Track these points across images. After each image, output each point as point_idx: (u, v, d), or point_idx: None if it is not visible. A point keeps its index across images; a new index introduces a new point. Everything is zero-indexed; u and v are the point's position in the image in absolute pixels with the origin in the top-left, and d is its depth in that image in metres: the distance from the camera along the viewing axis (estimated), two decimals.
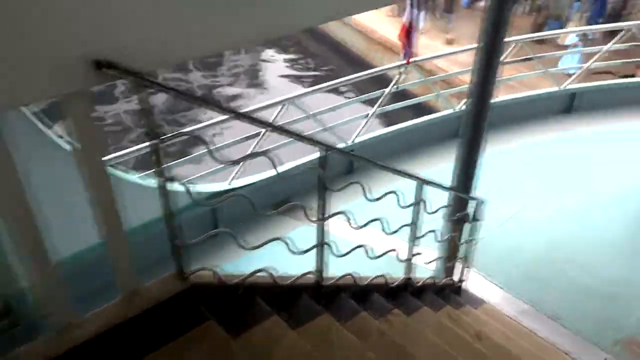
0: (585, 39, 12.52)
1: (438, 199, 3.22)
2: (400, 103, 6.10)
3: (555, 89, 6.71)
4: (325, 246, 2.28)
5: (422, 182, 2.80)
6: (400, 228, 2.69)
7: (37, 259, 1.43)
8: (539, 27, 14.71)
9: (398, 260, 2.93)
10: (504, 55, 4.65)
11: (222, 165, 1.77)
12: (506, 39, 3.00)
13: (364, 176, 5.45)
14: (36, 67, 1.25)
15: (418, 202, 2.80)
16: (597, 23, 12.80)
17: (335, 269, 2.45)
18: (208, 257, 4.21)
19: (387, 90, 5.68)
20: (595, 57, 6.62)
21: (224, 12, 1.57)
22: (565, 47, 12.16)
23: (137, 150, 4.03)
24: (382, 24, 16.81)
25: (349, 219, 2.31)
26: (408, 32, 5.65)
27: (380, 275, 2.84)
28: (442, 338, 2.65)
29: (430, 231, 3.03)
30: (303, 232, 2.27)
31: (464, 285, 3.84)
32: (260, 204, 1.86)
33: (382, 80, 6.31)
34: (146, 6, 1.40)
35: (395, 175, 2.80)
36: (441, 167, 5.08)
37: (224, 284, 1.90)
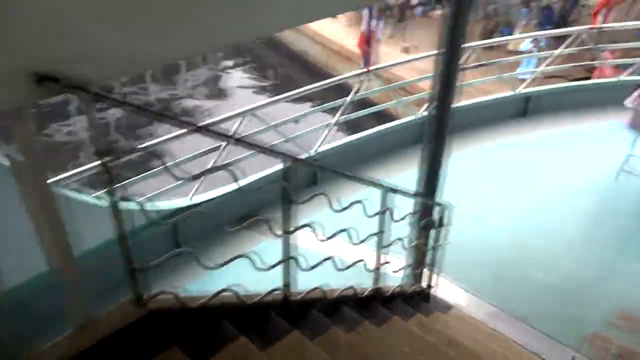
0: (538, 45, 13.01)
1: (405, 205, 3.21)
2: (363, 111, 6.11)
3: (511, 93, 6.89)
4: (293, 260, 2.21)
5: (387, 189, 2.78)
6: (367, 237, 2.65)
7: None
8: (489, 34, 15.19)
9: (367, 270, 2.88)
10: (462, 61, 4.72)
11: (181, 182, 1.67)
12: (464, 45, 3.04)
13: (329, 186, 5.42)
14: None
15: (384, 211, 2.77)
16: (546, 30, 13.32)
17: (304, 282, 2.38)
18: (169, 277, 4.05)
19: (348, 98, 5.67)
20: (547, 61, 6.85)
21: (176, 21, 1.49)
22: (519, 52, 12.59)
23: (88, 169, 3.84)
24: (341, 34, 16.97)
25: (315, 231, 2.25)
26: (367, 41, 5.68)
27: (350, 287, 2.79)
28: (413, 347, 2.62)
29: (398, 239, 3.01)
30: (269, 246, 2.19)
31: (432, 291, 3.83)
32: (223, 218, 1.78)
33: (341, 90, 6.30)
34: (93, 15, 1.30)
35: (361, 183, 2.77)
36: (406, 173, 5.10)
37: (187, 307, 1.79)
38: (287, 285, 2.28)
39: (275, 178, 2.06)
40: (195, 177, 1.74)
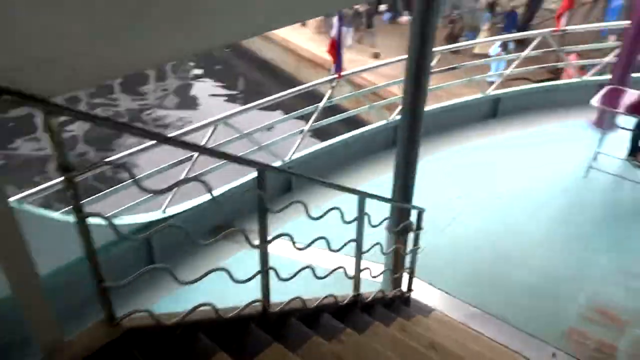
0: (507, 49, 13.36)
1: (382, 210, 3.20)
2: (335, 117, 6.11)
3: (481, 95, 7.01)
4: (271, 271, 2.17)
5: (363, 195, 2.76)
6: (345, 244, 2.62)
7: None
8: (455, 38, 15.50)
9: (346, 276, 2.85)
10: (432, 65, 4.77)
11: (152, 195, 1.60)
12: (434, 50, 3.06)
13: (304, 193, 5.38)
14: None
15: (361, 217, 2.75)
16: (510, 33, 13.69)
17: (283, 292, 2.34)
18: (144, 292, 3.95)
19: (321, 104, 5.66)
20: (515, 63, 7.00)
21: (139, 28, 1.43)
22: (486, 56, 12.87)
23: (52, 185, 3.70)
24: (311, 42, 17.02)
25: (292, 240, 2.21)
26: (337, 47, 5.68)
27: (330, 295, 2.75)
28: (396, 352, 2.59)
29: (375, 244, 2.99)
30: (246, 256, 2.14)
31: (412, 295, 3.82)
32: (198, 230, 1.72)
33: (311, 97, 6.29)
34: (53, 21, 1.22)
35: (336, 190, 2.75)
36: (381, 178, 5.11)
37: (162, 325, 1.72)
38: (265, 296, 2.23)
39: (249, 187, 2.01)
40: (166, 191, 1.68)
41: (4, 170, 11.49)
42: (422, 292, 4.02)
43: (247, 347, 2.08)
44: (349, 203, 2.68)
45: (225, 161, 2.68)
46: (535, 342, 3.55)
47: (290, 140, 5.69)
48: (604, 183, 5.45)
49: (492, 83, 7.32)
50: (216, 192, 4.78)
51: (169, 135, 4.66)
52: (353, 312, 2.99)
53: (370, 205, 2.78)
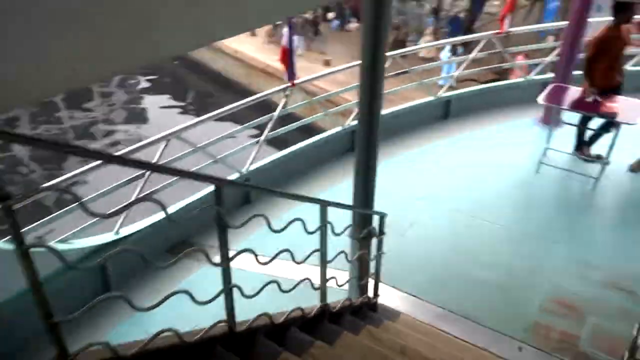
0: (456, 53, 13.78)
1: (345, 217, 3.16)
2: (292, 125, 6.05)
3: (432, 98, 7.15)
4: (235, 288, 2.07)
5: (324, 204, 2.71)
6: (309, 255, 2.56)
7: None
8: (401, 43, 15.84)
9: (313, 288, 2.79)
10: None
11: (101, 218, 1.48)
12: (387, 54, 3.07)
13: (264, 204, 5.28)
14: None
15: (324, 226, 2.70)
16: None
17: (248, 309, 2.24)
18: (99, 320, 3.74)
19: (276, 113, 5.60)
20: (464, 65, 7.19)
21: (75, 40, 1.31)
22: (430, 59, 13.25)
23: None
24: (262, 51, 16.95)
25: (255, 255, 2.13)
26: (289, 55, 5.65)
27: (297, 308, 2.68)
28: None
29: (340, 252, 2.94)
30: (207, 273, 2.04)
31: (379, 300, 3.80)
32: (155, 249, 1.61)
33: (264, 107, 6.20)
34: None
35: (297, 201, 2.69)
36: (343, 184, 5.09)
37: (121, 357, 1.60)
38: (230, 316, 2.13)
39: (207, 202, 1.92)
40: (115, 214, 1.56)
41: None
42: (389, 297, 4.01)
43: None
44: (310, 212, 2.63)
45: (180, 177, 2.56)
46: (501, 337, 3.60)
47: (246, 151, 5.58)
48: (555, 178, 5.65)
49: (442, 86, 7.49)
50: (172, 209, 4.61)
51: (119, 152, 4.47)
52: (322, 323, 2.92)
53: (333, 212, 2.73)
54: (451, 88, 7.53)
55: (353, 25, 19.22)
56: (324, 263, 2.84)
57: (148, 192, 4.50)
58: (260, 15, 1.90)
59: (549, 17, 14.34)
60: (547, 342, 3.55)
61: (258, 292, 2.19)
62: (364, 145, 3.23)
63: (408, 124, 6.88)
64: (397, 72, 6.74)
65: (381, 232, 3.53)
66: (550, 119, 6.24)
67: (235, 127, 6.10)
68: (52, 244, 3.72)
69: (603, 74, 5.28)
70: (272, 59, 15.34)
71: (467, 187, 5.61)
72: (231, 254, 2.00)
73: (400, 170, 5.98)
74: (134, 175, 4.47)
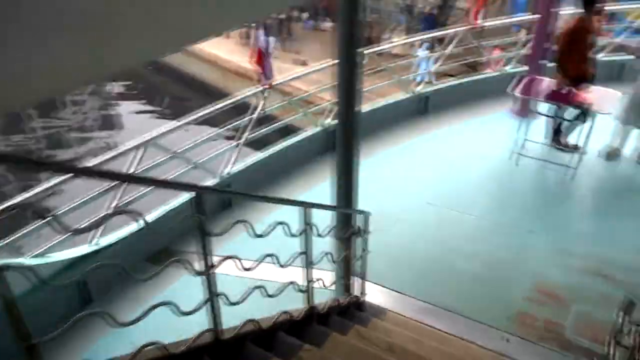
0: (433, 50, 13.88)
1: (328, 217, 3.14)
2: (270, 126, 6.00)
3: (410, 94, 7.18)
4: (219, 296, 2.03)
5: (306, 206, 2.69)
6: (294, 258, 2.54)
7: None
8: (376, 40, 15.89)
9: (299, 290, 2.77)
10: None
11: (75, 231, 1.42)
12: (365, 51, 3.06)
13: (245, 208, 5.21)
14: None
15: (307, 228, 2.68)
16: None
17: (234, 315, 2.20)
18: (81, 335, 3.63)
19: (255, 115, 5.55)
20: (440, 61, 7.24)
21: (41, 48, 1.25)
22: (403, 56, 13.32)
23: None
24: (235, 53, 16.80)
25: (240, 260, 2.10)
26: (264, 57, 5.61)
27: (284, 312, 2.64)
28: None
29: (326, 253, 2.92)
30: (190, 280, 1.99)
31: (365, 298, 3.79)
32: (135, 258, 1.56)
33: (239, 109, 6.13)
34: None
35: (279, 204, 2.67)
36: (324, 184, 5.06)
37: None
38: (216, 324, 2.09)
39: (187, 208, 1.87)
40: (89, 229, 1.51)
41: None
42: (375, 295, 4.00)
43: None
44: (293, 213, 2.60)
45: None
46: (487, 330, 3.62)
47: (224, 156, 5.50)
48: (532, 168, 5.73)
49: (420, 82, 7.54)
50: (151, 217, 4.51)
51: (95, 161, 4.36)
52: (310, 325, 2.90)
53: (316, 213, 2.71)
54: (430, 84, 7.57)
55: (327, 24, 19.21)
56: (309, 265, 2.81)
57: (126, 200, 4.40)
58: (235, 17, 1.86)
59: (519, 10, 14.54)
60: (533, 332, 3.59)
61: (243, 300, 2.15)
62: (344, 143, 3.21)
63: (388, 121, 6.90)
64: (374, 69, 6.75)
65: (365, 230, 3.52)
66: (525, 111, 6.33)
67: (212, 130, 6.01)
68: (25, 259, 3.61)
69: (576, 65, 5.37)
70: (246, 61, 15.23)
71: (447, 181, 5.65)
72: (214, 260, 1.96)
73: (381, 168, 5.99)
74: (110, 185, 4.36)
